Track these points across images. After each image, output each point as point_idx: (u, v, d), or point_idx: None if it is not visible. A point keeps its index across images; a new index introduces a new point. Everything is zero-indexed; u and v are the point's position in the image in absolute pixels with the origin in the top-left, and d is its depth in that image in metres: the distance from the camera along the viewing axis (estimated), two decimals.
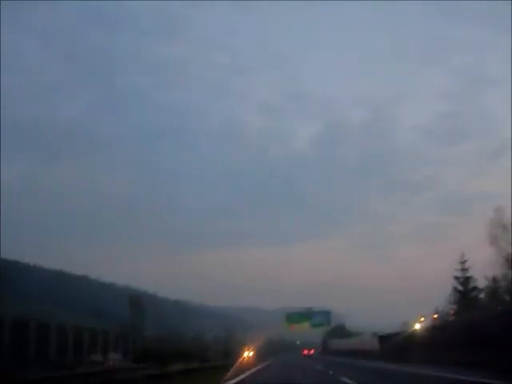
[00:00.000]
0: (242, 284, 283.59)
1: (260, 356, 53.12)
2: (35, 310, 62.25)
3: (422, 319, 37.17)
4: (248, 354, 41.11)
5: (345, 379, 18.96)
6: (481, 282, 47.77)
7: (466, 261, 48.92)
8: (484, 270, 43.98)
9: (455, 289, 49.07)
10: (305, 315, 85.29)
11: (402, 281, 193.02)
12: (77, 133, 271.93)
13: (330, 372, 26.82)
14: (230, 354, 53.57)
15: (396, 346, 36.87)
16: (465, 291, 48.73)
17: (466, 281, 48.87)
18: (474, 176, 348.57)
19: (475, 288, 48.82)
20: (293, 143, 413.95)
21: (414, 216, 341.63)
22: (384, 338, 45.43)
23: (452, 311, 49.14)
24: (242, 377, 23.30)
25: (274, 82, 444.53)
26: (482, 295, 48.90)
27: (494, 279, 44.61)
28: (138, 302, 76.94)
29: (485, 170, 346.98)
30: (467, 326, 23.47)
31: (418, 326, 35.33)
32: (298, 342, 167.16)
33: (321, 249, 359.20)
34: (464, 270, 48.99)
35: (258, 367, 36.13)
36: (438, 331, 29.97)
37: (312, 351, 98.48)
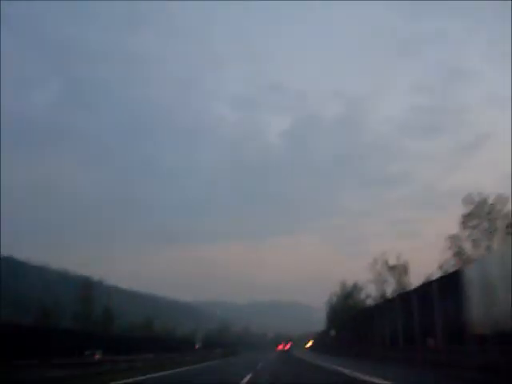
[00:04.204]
0: (211, 279, 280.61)
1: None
2: None
3: None
4: None
5: None
6: None
7: None
8: None
9: None
10: None
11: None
12: (44, 126, 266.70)
13: None
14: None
15: None
16: None
17: None
18: (449, 170, 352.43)
19: None
20: (266, 137, 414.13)
21: (388, 211, 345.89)
22: None
23: None
24: None
25: (247, 75, 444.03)
26: None
27: None
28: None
29: (460, 165, 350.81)
30: None
31: None
32: (269, 337, 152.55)
33: (292, 244, 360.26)
34: None
35: None
36: None
37: (288, 345, 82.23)
